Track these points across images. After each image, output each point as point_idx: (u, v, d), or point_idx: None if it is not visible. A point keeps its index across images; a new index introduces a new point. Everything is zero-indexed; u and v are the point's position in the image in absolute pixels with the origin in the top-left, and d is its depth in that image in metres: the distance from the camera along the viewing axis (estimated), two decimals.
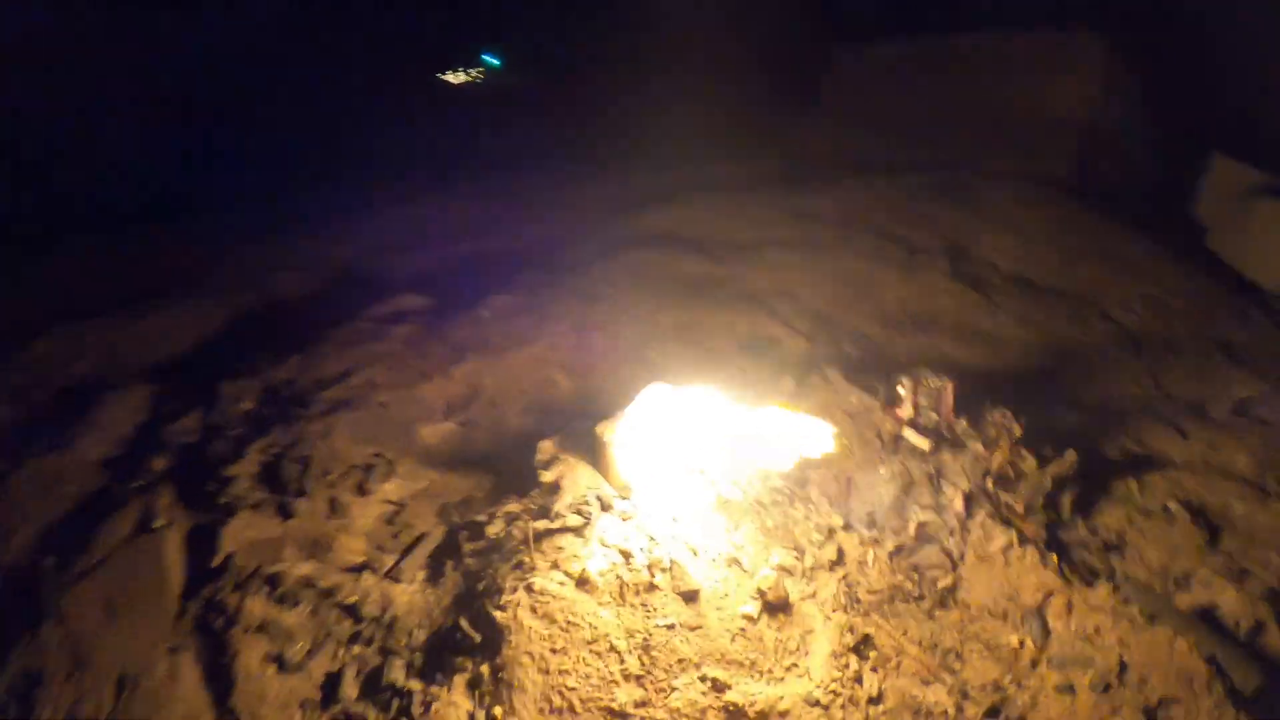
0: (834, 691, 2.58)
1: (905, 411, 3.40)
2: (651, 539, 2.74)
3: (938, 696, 2.62)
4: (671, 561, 2.68)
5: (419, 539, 3.12)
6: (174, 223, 7.11)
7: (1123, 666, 2.60)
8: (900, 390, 3.43)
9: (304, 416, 3.89)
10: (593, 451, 3.09)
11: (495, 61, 11.50)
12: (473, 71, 11.46)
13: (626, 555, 2.69)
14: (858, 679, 2.63)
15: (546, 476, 2.99)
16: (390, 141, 8.89)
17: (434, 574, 2.91)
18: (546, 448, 3.10)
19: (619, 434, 2.93)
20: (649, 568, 2.68)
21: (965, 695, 2.61)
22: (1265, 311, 4.85)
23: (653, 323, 4.48)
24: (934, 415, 3.41)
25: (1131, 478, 3.42)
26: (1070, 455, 3.28)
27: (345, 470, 3.52)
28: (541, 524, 2.81)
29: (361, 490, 3.43)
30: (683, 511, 2.86)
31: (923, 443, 3.25)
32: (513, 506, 2.96)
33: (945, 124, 7.07)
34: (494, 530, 2.92)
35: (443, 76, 11.31)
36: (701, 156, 7.53)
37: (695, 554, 2.77)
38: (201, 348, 4.80)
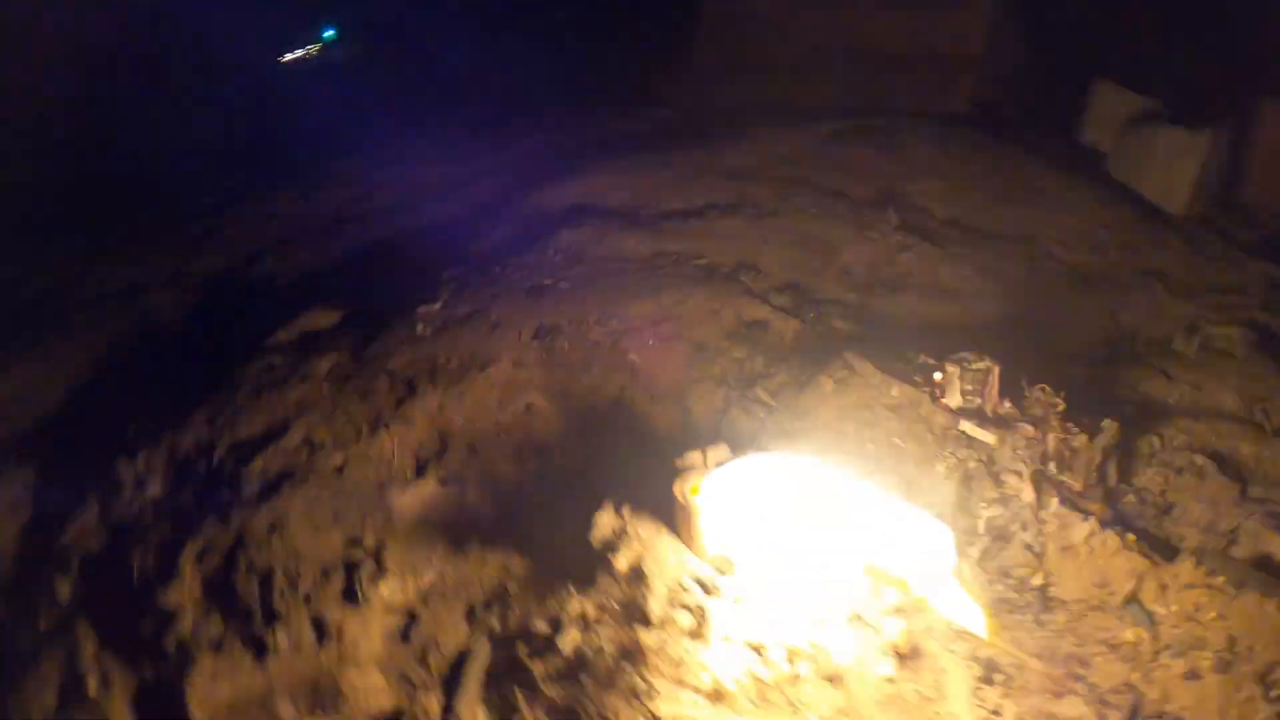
0: None
1: (954, 400, 3.20)
2: (779, 623, 2.34)
3: (1078, 709, 2.50)
4: (812, 645, 2.31)
5: (459, 663, 2.45)
6: None
7: (1231, 641, 2.60)
8: (943, 376, 3.22)
9: (239, 501, 3.08)
10: (657, 511, 2.62)
11: (331, 33, 10.19)
12: (311, 48, 10.08)
13: (758, 649, 2.28)
14: (997, 711, 2.46)
15: (620, 562, 2.46)
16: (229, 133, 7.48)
17: (504, 715, 2.25)
18: (606, 522, 2.56)
19: (707, 495, 2.47)
20: (788, 658, 2.29)
21: (1104, 702, 2.51)
22: (1180, 235, 5.15)
23: (622, 317, 3.97)
24: (977, 400, 3.23)
25: (1150, 434, 3.46)
26: (1112, 424, 3.22)
27: (319, 574, 2.78)
28: (654, 635, 2.29)
29: (351, 599, 2.71)
30: (798, 575, 2.48)
31: (988, 437, 3.07)
32: (584, 606, 2.41)
33: (833, 67, 6.88)
34: (569, 643, 2.34)
35: (281, 59, 9.88)
36: (578, 114, 6.88)
37: (823, 625, 2.41)
38: (72, 408, 3.73)
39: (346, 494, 3.15)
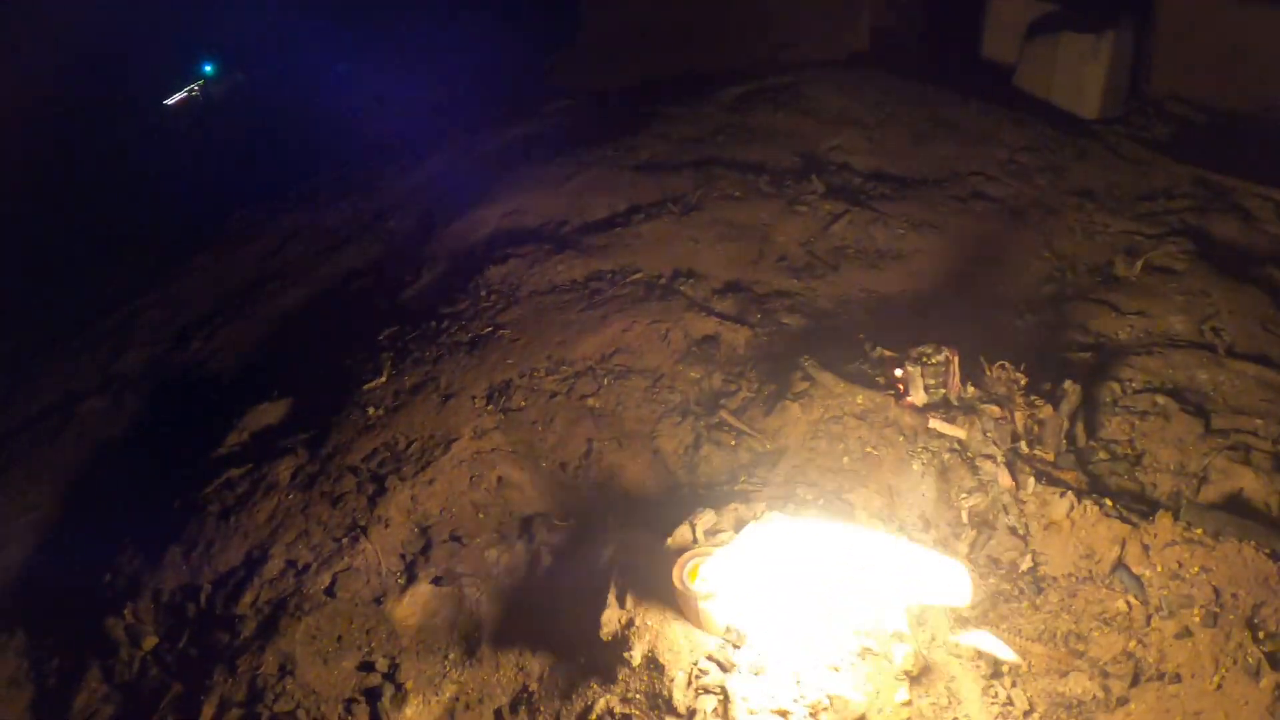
0: None
1: (917, 398, 3.23)
2: (797, 682, 2.40)
3: (1081, 684, 2.64)
4: (829, 697, 2.38)
5: None
6: None
7: (1216, 592, 2.74)
8: (904, 374, 3.24)
9: (240, 646, 3.01)
10: (656, 590, 2.62)
11: (208, 68, 9.46)
12: (193, 88, 9.34)
13: (784, 715, 2.34)
14: (1009, 702, 2.59)
15: (635, 656, 2.48)
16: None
17: None
18: (612, 618, 2.57)
19: (709, 581, 2.47)
20: (811, 714, 2.36)
21: (1105, 674, 2.65)
22: (1100, 143, 5.18)
23: (570, 360, 3.89)
24: (942, 390, 3.27)
25: (1109, 379, 3.55)
26: (1074, 387, 3.32)
27: (343, 709, 2.78)
28: None
29: None
30: (803, 629, 2.53)
31: (958, 431, 3.12)
32: (610, 702, 2.44)
33: (728, 28, 6.62)
34: None
35: (168, 102, 9.15)
36: (479, 123, 6.54)
37: (838, 670, 2.48)
38: (42, 561, 3.57)
39: (344, 615, 3.09)
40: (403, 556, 3.26)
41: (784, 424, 3.35)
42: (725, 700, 2.35)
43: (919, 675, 2.56)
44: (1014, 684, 2.64)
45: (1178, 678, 2.60)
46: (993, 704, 2.56)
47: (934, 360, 3.24)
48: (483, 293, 4.35)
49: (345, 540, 3.31)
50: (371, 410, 3.82)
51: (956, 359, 3.22)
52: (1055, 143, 5.16)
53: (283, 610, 3.09)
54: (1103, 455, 3.30)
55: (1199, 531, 2.88)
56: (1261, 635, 2.61)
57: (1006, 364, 3.31)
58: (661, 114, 5.73)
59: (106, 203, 6.80)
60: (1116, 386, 3.54)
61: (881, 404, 3.27)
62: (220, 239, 5.58)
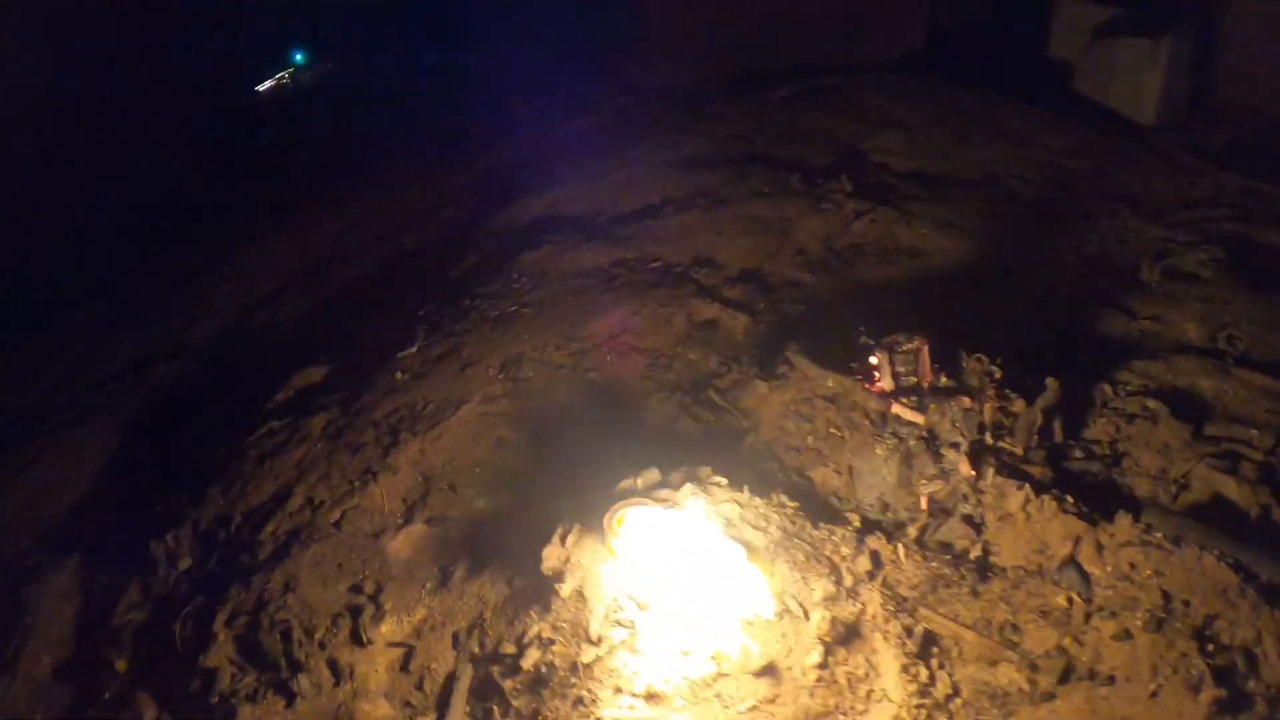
0: (916, 705, 2.58)
1: (886, 384, 3.31)
2: (704, 628, 2.59)
3: (1009, 675, 2.66)
4: (731, 644, 2.55)
5: (449, 686, 2.82)
6: None
7: (1166, 597, 2.69)
8: (875, 361, 3.33)
9: (256, 567, 3.46)
10: (603, 534, 2.86)
11: (299, 57, 10.32)
12: (283, 75, 10.24)
13: (686, 653, 2.54)
14: (931, 682, 2.63)
15: (565, 588, 2.74)
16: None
17: None
18: (553, 555, 2.83)
19: (628, 523, 2.71)
20: (713, 658, 2.54)
21: (1034, 667, 2.66)
22: (1149, 150, 5.01)
23: (582, 338, 4.17)
24: (913, 378, 3.34)
25: (1104, 381, 3.51)
26: (1053, 383, 3.29)
27: (330, 623, 3.16)
28: (589, 652, 2.59)
29: (358, 641, 3.08)
30: (721, 583, 2.70)
31: (917, 417, 3.18)
32: (540, 628, 2.71)
33: (788, 27, 6.75)
34: (531, 662, 2.66)
35: (258, 88, 10.08)
36: (542, 116, 6.95)
37: (752, 624, 2.64)
38: (102, 493, 4.17)
39: (346, 546, 3.49)
40: (404, 500, 3.64)
41: (758, 403, 3.52)
42: (634, 634, 2.58)
43: (839, 643, 2.67)
44: (941, 666, 2.70)
45: (1111, 680, 2.57)
46: (912, 683, 2.60)
47: (905, 348, 3.30)
48: (515, 275, 4.70)
49: (358, 483, 3.72)
50: (399, 375, 4.24)
51: (926, 347, 3.27)
52: (1101, 148, 5.02)
53: (296, 539, 3.51)
54: (1079, 454, 3.28)
55: (1159, 535, 2.83)
56: (1211, 648, 2.55)
57: (982, 356, 3.33)
58: (709, 112, 5.94)
59: (193, 181, 7.59)
60: (1109, 388, 3.49)
61: (850, 388, 3.37)
62: (294, 221, 6.21)
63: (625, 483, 2.93)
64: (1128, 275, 4.18)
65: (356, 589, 3.29)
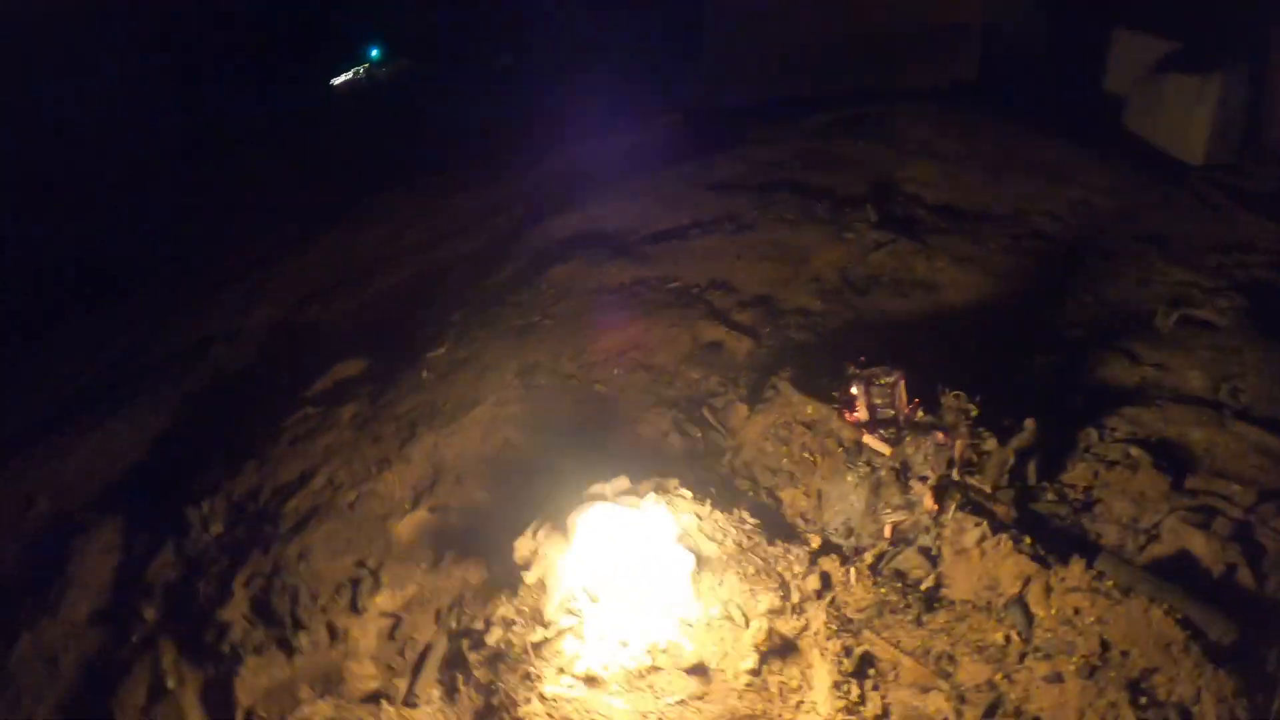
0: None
1: (861, 414, 3.42)
2: (644, 623, 2.80)
3: (937, 704, 2.74)
4: (667, 642, 2.75)
5: (425, 654, 3.14)
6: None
7: (1104, 646, 2.71)
8: (853, 393, 3.44)
9: (277, 536, 3.86)
10: (569, 535, 3.10)
11: (375, 53, 10.90)
12: (359, 70, 10.85)
13: (625, 644, 2.76)
14: (861, 700, 2.74)
15: (530, 577, 3.01)
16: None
17: (449, 692, 2.92)
18: (523, 546, 3.10)
19: (589, 523, 2.94)
20: (648, 652, 2.75)
21: (962, 699, 2.73)
22: (1188, 190, 4.87)
23: (594, 351, 4.41)
24: (890, 411, 3.43)
25: (1091, 425, 3.50)
26: (1030, 424, 3.33)
27: (333, 590, 3.52)
28: (539, 633, 2.84)
29: (355, 609, 3.44)
30: (667, 586, 2.90)
31: (884, 448, 3.29)
32: (506, 610, 2.99)
33: (840, 52, 6.82)
34: (494, 639, 2.95)
35: (334, 81, 10.71)
36: (595, 128, 7.24)
37: (689, 626, 2.83)
38: (152, 460, 4.68)
39: (357, 525, 3.85)
40: (414, 489, 3.98)
41: (741, 424, 3.68)
42: (581, 622, 2.82)
43: (776, 653, 2.83)
44: (875, 688, 2.81)
45: None
46: (842, 699, 2.73)
47: (882, 380, 3.41)
48: (543, 287, 4.99)
49: (375, 470, 4.09)
50: (425, 374, 4.60)
51: (903, 381, 3.37)
52: (1138, 187, 4.91)
53: (314, 515, 3.90)
54: (1050, 497, 3.30)
55: (1109, 584, 2.85)
56: (1144, 701, 2.56)
57: (960, 393, 3.39)
58: (749, 136, 6.09)
59: (261, 171, 8.16)
60: (1095, 433, 3.48)
61: (827, 416, 3.49)
62: (353, 219, 6.69)
63: (596, 487, 3.16)
64: (1143, 319, 4.11)
65: (361, 564, 3.63)
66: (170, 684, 3.37)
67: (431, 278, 5.61)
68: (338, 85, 10.50)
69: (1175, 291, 4.20)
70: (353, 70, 10.65)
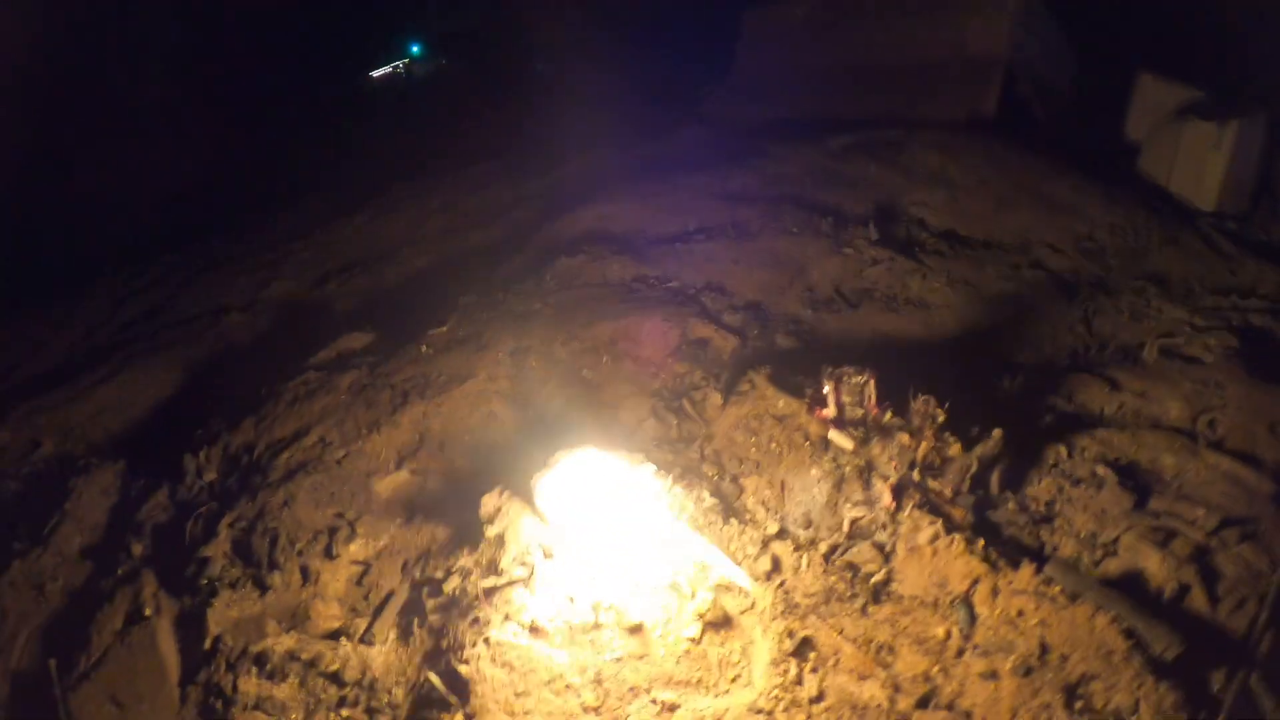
0: (776, 697, 2.76)
1: (829, 411, 3.49)
2: (592, 581, 2.88)
3: (872, 691, 2.77)
4: (612, 601, 2.83)
5: (387, 599, 3.30)
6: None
7: (1044, 648, 2.73)
8: (824, 391, 3.52)
9: (265, 485, 4.01)
10: (531, 494, 3.21)
11: (415, 49, 11.37)
12: (398, 65, 11.32)
13: (571, 599, 2.85)
14: (798, 681, 2.79)
15: (491, 531, 3.13)
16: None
17: (404, 633, 3.13)
18: (489, 502, 3.21)
19: (551, 486, 3.05)
20: (592, 609, 2.83)
21: (898, 688, 2.76)
22: (1196, 233, 4.88)
23: (586, 339, 4.54)
24: (859, 410, 3.50)
25: (1061, 443, 3.52)
26: (996, 434, 3.36)
27: (311, 537, 3.66)
28: (490, 581, 2.95)
29: (329, 554, 3.58)
30: (620, 550, 2.99)
31: (847, 443, 3.35)
32: (465, 561, 3.12)
33: (864, 77, 6.97)
34: (450, 587, 3.09)
35: (373, 74, 11.17)
36: (622, 135, 7.45)
37: (636, 588, 2.91)
38: (158, 415, 4.90)
39: (341, 479, 4.00)
40: (399, 452, 4.12)
41: (715, 414, 3.77)
42: (532, 574, 2.92)
43: (718, 626, 2.89)
44: (814, 670, 2.85)
45: (968, 715, 2.65)
46: (780, 677, 2.79)
47: (853, 380, 3.48)
48: (547, 277, 5.15)
49: (365, 432, 4.24)
50: (425, 349, 4.76)
51: (873, 381, 3.44)
52: (1145, 226, 4.92)
53: (302, 468, 4.05)
54: (1011, 507, 3.33)
55: (1056, 589, 2.87)
56: (1079, 706, 2.58)
57: (930, 398, 3.45)
58: (766, 151, 6.21)
59: (294, 152, 8.49)
60: (1064, 450, 3.51)
61: (798, 410, 3.57)
62: (379, 204, 6.95)
63: (560, 455, 3.27)
64: (1132, 351, 4.13)
65: (340, 515, 3.77)
66: (147, 611, 3.52)
67: (447, 264, 5.81)
68: (376, 78, 10.93)
69: (1167, 327, 4.20)
70: (392, 65, 11.09)
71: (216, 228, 7.40)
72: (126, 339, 5.70)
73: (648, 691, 2.70)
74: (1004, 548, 3.09)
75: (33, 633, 3.66)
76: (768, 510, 3.44)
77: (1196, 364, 3.90)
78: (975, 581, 2.98)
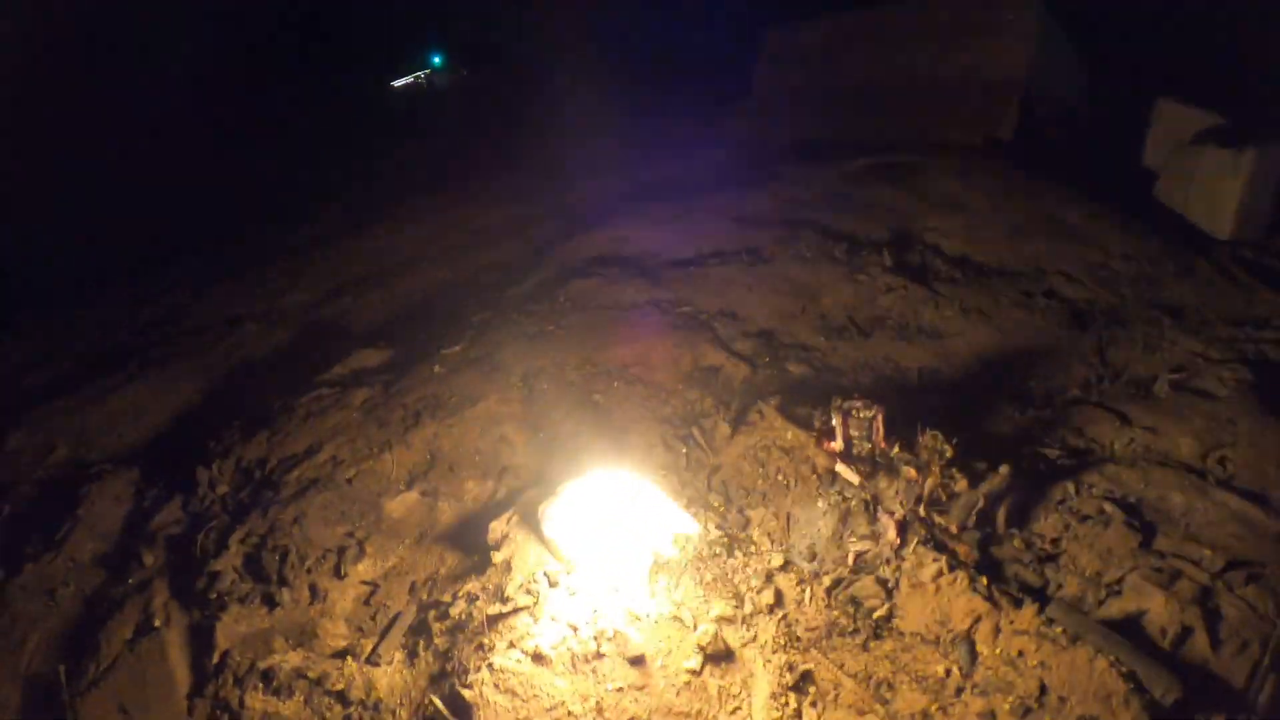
0: None
1: (837, 445, 3.50)
2: (595, 611, 2.92)
3: None
4: (615, 631, 2.86)
5: (394, 620, 3.35)
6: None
7: (1043, 689, 2.72)
8: (832, 423, 3.53)
9: (276, 501, 4.08)
10: (538, 521, 3.25)
11: (437, 60, 11.52)
12: (419, 75, 11.46)
13: (574, 628, 2.88)
14: (797, 715, 2.81)
15: (498, 557, 3.17)
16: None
17: (410, 655, 3.16)
18: (497, 528, 3.26)
19: (558, 514, 3.08)
20: (595, 638, 2.86)
21: None
22: (1211, 262, 4.84)
23: (597, 362, 4.57)
24: (867, 444, 3.50)
25: (1069, 479, 3.50)
26: (1003, 470, 3.36)
27: (320, 555, 3.72)
28: (496, 607, 2.99)
29: (338, 574, 3.63)
30: (624, 580, 3.02)
31: (853, 477, 3.36)
32: (472, 586, 3.16)
33: (883, 99, 6.98)
34: (457, 611, 3.13)
35: (394, 84, 11.31)
36: (640, 154, 7.49)
37: (637, 619, 2.93)
38: (173, 424, 4.99)
39: (352, 498, 4.06)
40: (410, 472, 4.17)
41: (724, 444, 3.79)
42: (537, 602, 2.95)
43: (720, 658, 2.91)
44: (813, 704, 2.86)
45: None
46: (778, 712, 2.81)
47: (861, 414, 3.48)
48: (561, 299, 5.19)
49: (376, 451, 4.30)
50: (438, 368, 4.82)
51: (881, 416, 3.45)
52: (1161, 255, 4.88)
53: (313, 485, 4.12)
54: (1017, 544, 3.31)
55: (1058, 630, 2.86)
56: None
57: (937, 434, 3.45)
58: (782, 174, 6.23)
59: (316, 161, 8.58)
60: (1072, 487, 3.48)
61: (805, 443, 3.58)
62: (396, 216, 7.02)
63: (567, 483, 3.30)
64: (1144, 384, 4.10)
65: (350, 534, 3.83)
66: (157, 622, 3.59)
67: (462, 280, 5.87)
68: (397, 88, 11.04)
69: (1181, 360, 4.17)
70: (413, 75, 11.21)
71: (234, 236, 7.50)
72: (142, 345, 5.80)
73: None
74: (1007, 585, 3.09)
75: (43, 638, 3.74)
76: (773, 542, 3.45)
77: (1209, 398, 3.86)
78: (977, 620, 2.98)
